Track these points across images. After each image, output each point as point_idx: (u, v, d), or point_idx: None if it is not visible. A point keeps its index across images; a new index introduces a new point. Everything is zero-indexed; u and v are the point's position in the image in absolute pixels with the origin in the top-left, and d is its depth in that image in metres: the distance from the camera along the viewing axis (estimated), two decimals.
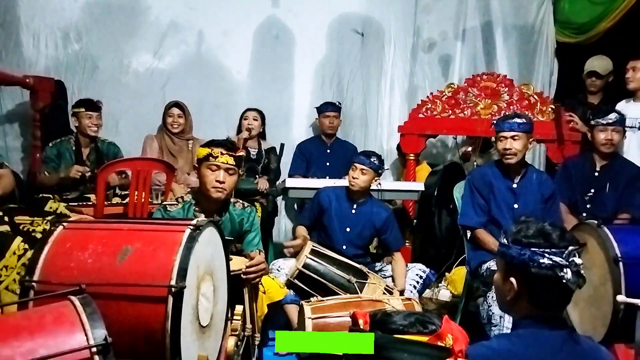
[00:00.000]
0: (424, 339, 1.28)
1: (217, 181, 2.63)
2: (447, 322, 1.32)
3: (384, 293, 3.14)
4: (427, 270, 3.53)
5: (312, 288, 3.11)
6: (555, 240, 1.48)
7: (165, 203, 2.82)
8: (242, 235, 2.82)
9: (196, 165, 2.73)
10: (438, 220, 4.30)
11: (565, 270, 1.45)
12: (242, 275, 2.48)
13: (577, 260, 1.46)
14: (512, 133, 3.15)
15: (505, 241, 1.54)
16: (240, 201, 2.84)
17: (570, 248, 1.46)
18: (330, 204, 3.46)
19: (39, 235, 2.81)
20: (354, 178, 3.37)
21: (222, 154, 2.64)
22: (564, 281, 1.45)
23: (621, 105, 3.78)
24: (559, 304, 1.53)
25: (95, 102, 4.06)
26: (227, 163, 2.65)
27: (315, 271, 3.16)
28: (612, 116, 3.40)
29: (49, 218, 3.19)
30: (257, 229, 2.84)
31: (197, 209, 2.72)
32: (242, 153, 2.81)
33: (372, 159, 3.37)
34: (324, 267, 3.18)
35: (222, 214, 2.76)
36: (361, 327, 1.34)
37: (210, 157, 2.63)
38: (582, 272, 1.47)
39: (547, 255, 1.46)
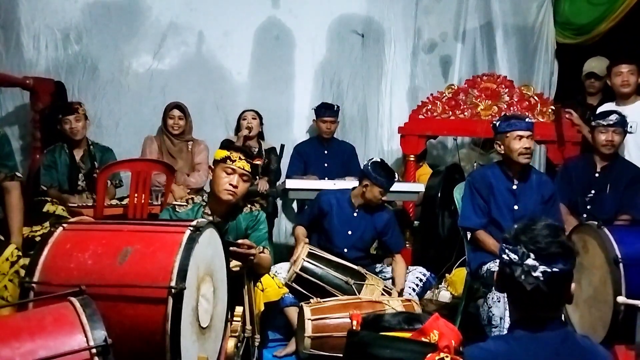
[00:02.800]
0: (406, 335, 1.29)
1: (230, 184, 2.63)
2: (436, 319, 1.33)
3: (383, 294, 3.14)
4: (428, 273, 3.52)
5: (310, 291, 3.11)
6: (523, 239, 1.48)
7: (174, 203, 2.82)
8: (247, 237, 2.82)
9: (212, 165, 2.73)
10: (442, 222, 4.30)
11: (514, 267, 1.47)
12: (230, 248, 2.44)
13: (530, 262, 1.46)
14: (529, 132, 3.15)
15: None
16: (249, 206, 2.84)
17: (520, 247, 1.47)
18: (331, 208, 3.45)
19: (39, 239, 2.81)
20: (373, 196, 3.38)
21: (240, 159, 2.66)
22: (517, 280, 1.46)
23: (609, 108, 3.75)
24: (530, 304, 1.50)
25: (69, 105, 3.99)
26: (243, 169, 2.66)
27: (313, 274, 3.16)
28: (613, 117, 3.40)
29: (46, 224, 3.19)
30: (263, 227, 2.83)
31: (206, 211, 2.72)
32: (259, 162, 2.81)
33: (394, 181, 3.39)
34: (322, 269, 3.18)
35: (229, 218, 2.75)
36: (354, 327, 1.37)
37: (228, 160, 2.65)
38: (534, 274, 1.45)
39: (507, 251, 1.50)
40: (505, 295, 1.68)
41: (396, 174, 3.49)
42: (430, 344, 1.27)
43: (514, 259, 1.47)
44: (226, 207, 2.73)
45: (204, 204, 2.75)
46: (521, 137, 3.14)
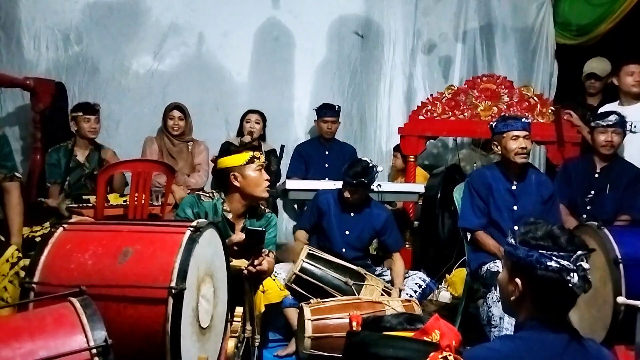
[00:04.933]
0: (409, 334, 1.29)
1: (267, 180, 2.75)
2: (436, 319, 1.34)
3: (382, 294, 3.14)
4: (428, 279, 3.53)
5: (309, 292, 3.11)
6: (564, 243, 1.47)
7: (199, 193, 2.87)
8: None
9: (235, 173, 2.72)
10: (442, 222, 4.30)
11: (572, 274, 1.45)
12: (243, 271, 2.49)
13: (585, 265, 1.46)
14: (525, 132, 3.15)
15: (513, 241, 1.53)
16: (262, 207, 2.89)
17: (579, 252, 1.46)
18: (329, 207, 3.46)
19: (39, 240, 2.81)
20: (349, 198, 3.37)
21: (260, 154, 2.78)
22: (570, 285, 1.45)
23: (611, 109, 3.74)
24: (563, 308, 1.53)
25: (92, 106, 4.05)
26: (264, 162, 2.80)
27: (312, 275, 3.16)
28: (612, 118, 3.40)
29: (46, 224, 3.20)
30: (273, 231, 2.87)
31: (225, 207, 2.77)
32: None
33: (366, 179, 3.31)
34: (321, 270, 3.18)
35: (246, 216, 2.80)
36: (354, 328, 1.36)
37: (255, 159, 2.74)
38: (588, 277, 1.47)
39: (554, 258, 1.45)
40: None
41: (378, 167, 3.44)
42: (432, 343, 1.28)
43: (567, 265, 1.45)
44: (248, 207, 2.79)
45: (222, 200, 2.79)
46: (517, 137, 3.14)
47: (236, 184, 2.72)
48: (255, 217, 2.82)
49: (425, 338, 1.28)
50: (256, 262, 2.52)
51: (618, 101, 3.85)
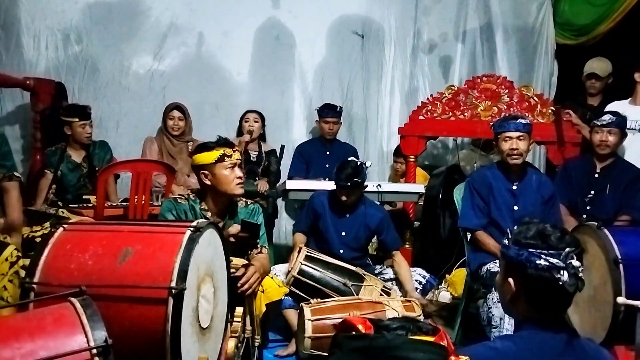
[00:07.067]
0: (431, 339, 1.29)
1: (238, 178, 2.70)
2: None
3: (381, 294, 3.14)
4: (427, 275, 3.52)
5: (308, 294, 3.11)
6: (554, 242, 1.47)
7: (174, 196, 2.86)
8: None
9: (205, 171, 2.70)
10: (443, 223, 4.30)
11: (562, 272, 1.44)
12: (238, 284, 2.45)
13: (575, 263, 1.45)
14: (518, 133, 3.14)
15: (507, 242, 1.54)
16: (243, 200, 2.87)
17: (568, 250, 1.46)
18: (324, 209, 3.45)
19: (39, 240, 2.81)
20: (346, 200, 3.36)
21: (233, 151, 2.73)
22: (561, 283, 1.44)
23: (621, 107, 3.75)
24: (557, 307, 1.52)
25: (86, 109, 3.97)
26: (238, 159, 2.74)
27: (310, 277, 3.16)
28: (607, 117, 3.39)
29: (46, 224, 3.20)
30: (260, 217, 2.85)
31: (203, 207, 2.75)
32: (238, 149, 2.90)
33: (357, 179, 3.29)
34: (319, 272, 3.18)
35: (227, 215, 2.78)
36: (362, 332, 1.34)
37: (226, 157, 2.68)
38: (580, 275, 1.46)
39: (544, 256, 1.45)
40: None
41: (367, 163, 3.41)
42: (446, 347, 1.28)
43: (557, 263, 1.44)
44: (226, 204, 2.76)
45: (198, 201, 2.77)
46: (509, 138, 3.15)
47: (207, 182, 2.70)
48: (238, 214, 2.79)
49: (441, 343, 1.28)
50: (243, 279, 2.45)
51: (630, 99, 3.83)
